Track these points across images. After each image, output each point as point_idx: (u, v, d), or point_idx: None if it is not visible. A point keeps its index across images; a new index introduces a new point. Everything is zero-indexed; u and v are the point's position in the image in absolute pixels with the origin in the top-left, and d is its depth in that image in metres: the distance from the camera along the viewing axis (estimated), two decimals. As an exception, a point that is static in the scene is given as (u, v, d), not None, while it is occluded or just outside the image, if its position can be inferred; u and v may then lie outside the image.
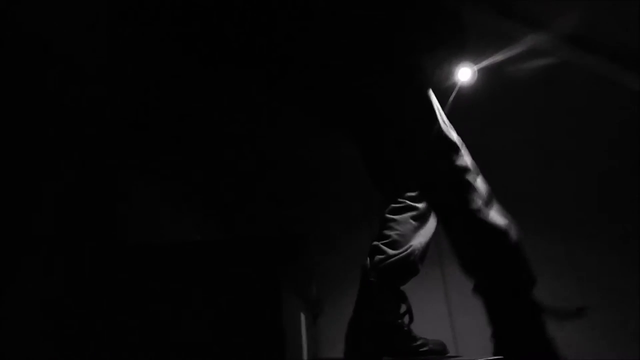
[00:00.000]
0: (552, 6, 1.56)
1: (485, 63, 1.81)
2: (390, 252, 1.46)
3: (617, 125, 2.01)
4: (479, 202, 1.27)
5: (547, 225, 2.04)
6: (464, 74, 1.84)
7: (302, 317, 1.93)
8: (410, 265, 1.43)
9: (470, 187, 1.29)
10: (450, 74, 1.77)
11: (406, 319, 1.40)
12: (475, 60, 1.84)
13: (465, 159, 1.35)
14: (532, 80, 1.92)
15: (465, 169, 1.32)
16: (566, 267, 2.03)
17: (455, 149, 1.34)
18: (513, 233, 1.27)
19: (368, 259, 1.46)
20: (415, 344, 1.39)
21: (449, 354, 1.45)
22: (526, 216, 2.03)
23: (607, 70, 1.84)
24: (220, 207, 2.26)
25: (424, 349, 1.39)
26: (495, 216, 1.28)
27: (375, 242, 1.48)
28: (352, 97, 1.48)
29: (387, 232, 1.49)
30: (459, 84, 1.83)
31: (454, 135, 1.39)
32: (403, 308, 1.41)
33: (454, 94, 1.78)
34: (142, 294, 1.59)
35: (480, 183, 1.32)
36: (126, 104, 1.97)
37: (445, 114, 1.72)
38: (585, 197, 2.06)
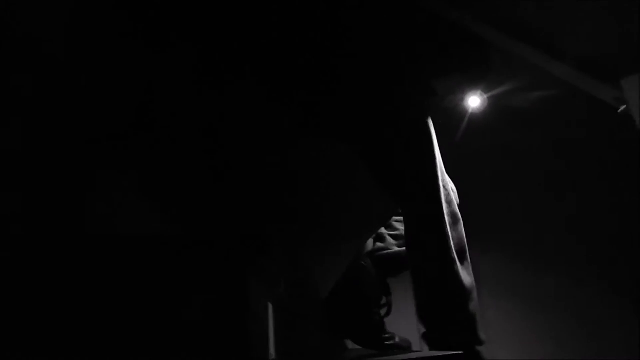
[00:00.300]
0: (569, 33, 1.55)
1: (496, 91, 1.81)
2: (393, 243, 1.46)
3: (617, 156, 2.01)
4: (453, 254, 1.28)
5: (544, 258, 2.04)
6: (474, 101, 1.84)
7: (270, 307, 1.89)
8: (406, 262, 1.43)
9: (449, 236, 1.29)
10: (461, 100, 1.77)
11: (383, 311, 1.43)
12: (485, 88, 1.83)
13: (453, 206, 1.35)
14: (541, 111, 1.92)
15: (449, 216, 1.32)
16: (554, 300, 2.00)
17: (441, 191, 1.34)
18: (475, 295, 1.30)
19: (371, 242, 1.46)
20: (383, 336, 1.41)
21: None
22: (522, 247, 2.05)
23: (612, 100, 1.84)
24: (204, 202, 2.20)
25: (390, 342, 1.41)
26: (465, 273, 1.30)
27: (383, 231, 1.48)
28: (361, 109, 1.47)
29: (397, 225, 1.51)
30: (469, 111, 1.83)
31: (445, 178, 1.39)
32: (384, 300, 1.44)
33: (465, 121, 1.79)
34: (104, 287, 1.56)
35: (460, 232, 1.33)
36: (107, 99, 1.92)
37: (456, 139, 1.72)
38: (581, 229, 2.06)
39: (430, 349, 1.26)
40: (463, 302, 1.26)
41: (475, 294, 1.29)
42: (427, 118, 1.44)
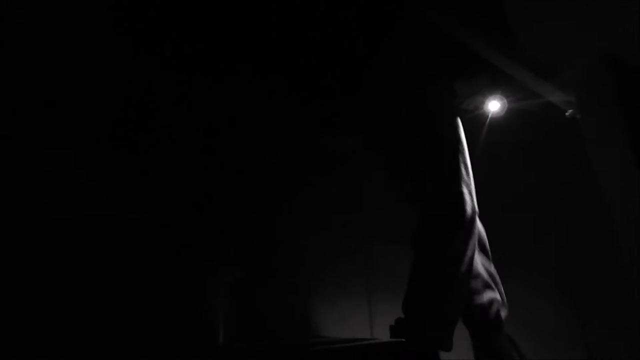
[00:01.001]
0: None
1: (518, 96, 1.77)
2: None
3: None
4: (463, 256, 1.22)
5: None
6: (494, 105, 1.79)
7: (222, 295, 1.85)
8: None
9: (464, 240, 1.25)
10: (484, 102, 1.73)
11: None
12: (506, 92, 1.79)
13: (472, 203, 1.31)
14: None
15: (469, 221, 1.28)
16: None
17: (465, 193, 1.30)
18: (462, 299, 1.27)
19: None
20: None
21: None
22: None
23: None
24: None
25: None
26: (469, 276, 1.25)
27: None
28: (389, 105, 1.45)
29: None
30: (490, 114, 1.79)
31: (468, 171, 1.35)
32: None
33: (487, 123, 1.75)
34: (54, 265, 1.51)
35: (474, 239, 1.29)
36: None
37: (480, 141, 1.68)
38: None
39: (391, 337, 1.24)
40: (454, 305, 1.23)
41: (463, 298, 1.28)
42: (455, 117, 1.42)
